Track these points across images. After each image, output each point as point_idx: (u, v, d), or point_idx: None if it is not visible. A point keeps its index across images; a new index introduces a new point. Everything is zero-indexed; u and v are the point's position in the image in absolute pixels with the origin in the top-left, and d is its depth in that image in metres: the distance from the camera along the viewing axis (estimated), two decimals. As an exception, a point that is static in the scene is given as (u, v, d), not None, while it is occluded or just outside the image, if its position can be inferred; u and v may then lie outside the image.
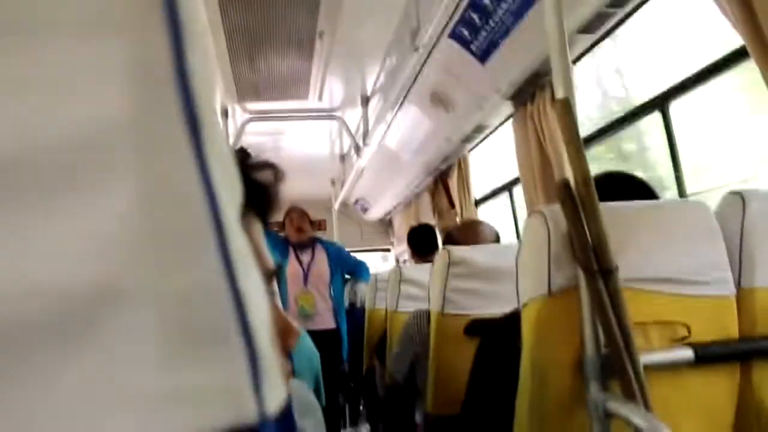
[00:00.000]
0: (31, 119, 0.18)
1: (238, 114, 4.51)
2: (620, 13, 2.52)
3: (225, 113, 4.36)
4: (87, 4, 0.19)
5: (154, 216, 0.19)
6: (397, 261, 7.46)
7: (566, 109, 1.13)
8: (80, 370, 0.18)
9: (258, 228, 0.65)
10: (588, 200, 1.08)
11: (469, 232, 2.26)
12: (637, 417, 0.98)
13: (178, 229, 0.19)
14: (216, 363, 0.20)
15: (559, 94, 1.19)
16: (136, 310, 0.18)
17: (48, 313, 0.17)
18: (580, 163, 1.11)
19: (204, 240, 0.20)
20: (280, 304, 0.72)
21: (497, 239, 2.31)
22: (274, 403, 0.22)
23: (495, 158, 4.63)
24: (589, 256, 1.07)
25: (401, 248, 7.09)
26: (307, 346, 2.49)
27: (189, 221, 0.20)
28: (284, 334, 0.65)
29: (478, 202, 4.87)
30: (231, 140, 4.40)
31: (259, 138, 5.02)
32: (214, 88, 0.23)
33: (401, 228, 6.93)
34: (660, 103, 2.53)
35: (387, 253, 8.03)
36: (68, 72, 0.18)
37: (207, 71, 0.22)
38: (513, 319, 1.28)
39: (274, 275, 0.71)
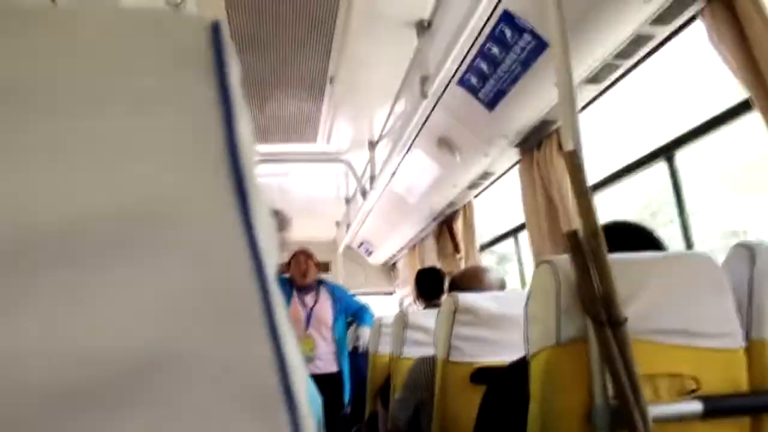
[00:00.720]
0: (89, 188, 0.18)
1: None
2: (627, 65, 2.56)
3: (233, 155, 4.38)
4: (143, 75, 0.20)
5: (205, 285, 0.20)
6: (401, 305, 7.43)
7: (574, 161, 1.14)
8: (125, 428, 0.18)
9: None
10: (597, 252, 1.09)
11: (474, 279, 2.26)
12: (646, 471, 0.97)
13: (228, 297, 0.20)
14: (262, 427, 0.20)
15: (568, 146, 1.20)
16: (187, 378, 0.19)
17: (102, 377, 0.18)
18: (589, 215, 1.12)
19: (252, 308, 0.20)
20: None
21: (502, 286, 2.31)
22: None
23: (501, 203, 4.64)
24: (598, 307, 1.07)
25: (405, 291, 7.07)
26: (309, 391, 2.47)
27: (238, 290, 0.20)
28: None
29: (483, 248, 4.87)
30: (239, 182, 4.42)
31: (265, 179, 5.05)
32: (256, 156, 0.24)
33: (405, 271, 6.91)
34: (666, 152, 2.56)
35: (390, 297, 8.00)
36: (126, 142, 0.19)
37: (250, 140, 0.23)
38: (519, 368, 1.27)
39: None
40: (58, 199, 0.18)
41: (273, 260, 0.23)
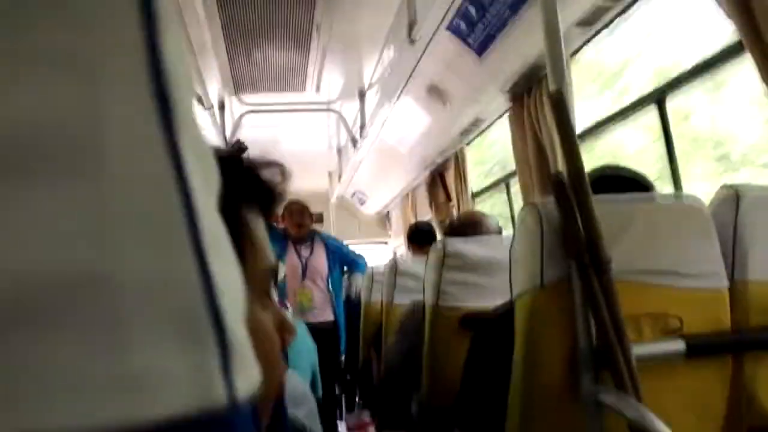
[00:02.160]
0: (3, 104, 0.18)
1: (236, 106, 4.50)
2: (619, 6, 2.52)
3: (222, 106, 4.34)
4: None
5: (127, 204, 0.19)
6: (395, 254, 7.47)
7: (560, 103, 1.13)
8: (45, 351, 0.18)
9: (261, 225, 0.65)
10: (581, 194, 1.09)
11: (473, 224, 2.26)
12: (628, 409, 0.99)
13: (149, 214, 0.20)
14: (183, 347, 0.20)
15: (553, 86, 1.19)
16: (110, 299, 0.19)
17: (25, 297, 0.18)
18: (573, 157, 1.11)
19: (174, 225, 0.20)
20: (276, 300, 0.73)
21: (499, 231, 2.31)
22: (245, 390, 0.22)
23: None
24: (582, 249, 1.08)
25: (398, 241, 7.10)
26: (303, 339, 2.50)
27: (160, 207, 0.20)
28: (280, 331, 0.65)
29: (474, 195, 4.87)
30: (228, 133, 4.40)
31: (257, 131, 5.02)
32: (189, 73, 0.23)
33: (398, 221, 6.93)
34: (656, 97, 2.54)
35: (384, 246, 8.03)
36: (39, 56, 0.19)
37: (180, 56, 0.22)
38: (506, 312, 1.28)
39: (275, 272, 0.71)
40: None
41: (205, 181, 0.22)
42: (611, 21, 2.66)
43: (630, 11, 2.58)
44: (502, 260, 1.89)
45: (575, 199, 1.09)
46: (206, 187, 0.22)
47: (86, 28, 0.19)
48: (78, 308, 0.18)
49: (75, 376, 0.18)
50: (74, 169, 0.18)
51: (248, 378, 0.22)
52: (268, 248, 0.66)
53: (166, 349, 0.19)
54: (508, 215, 4.34)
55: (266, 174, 0.66)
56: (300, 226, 4.35)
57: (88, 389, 0.18)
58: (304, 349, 2.50)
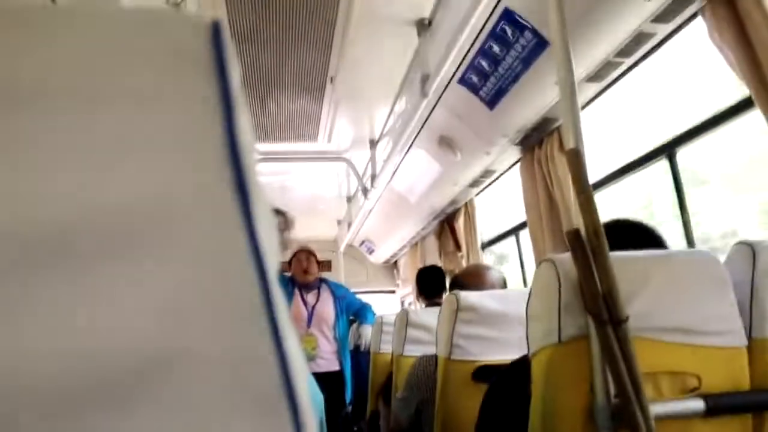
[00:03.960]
0: (89, 186, 0.18)
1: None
2: (628, 62, 2.56)
3: (235, 154, 4.38)
4: (143, 74, 0.20)
5: (207, 284, 0.20)
6: (402, 303, 7.43)
7: (576, 159, 1.14)
8: (130, 427, 0.18)
9: None
10: (599, 250, 1.09)
11: (477, 277, 2.26)
12: (648, 469, 0.97)
13: (229, 296, 0.20)
14: (262, 426, 0.20)
15: (570, 144, 1.20)
16: (189, 377, 0.19)
17: (105, 377, 0.18)
18: (590, 213, 1.12)
19: (254, 307, 0.20)
20: None
21: (504, 284, 2.31)
22: None
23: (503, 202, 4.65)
24: (600, 305, 1.07)
25: (406, 290, 7.07)
26: (311, 389, 2.48)
27: (240, 289, 0.20)
28: None
29: (484, 246, 4.87)
30: (240, 180, 4.42)
31: (267, 178, 5.05)
32: (256, 155, 0.24)
33: (406, 270, 6.92)
34: (667, 150, 2.55)
35: (392, 295, 7.99)
36: (125, 141, 0.19)
37: (251, 140, 0.23)
38: (521, 366, 1.27)
39: None
40: (58, 197, 0.18)
41: (274, 259, 0.23)
42: (620, 76, 2.70)
43: (638, 67, 2.62)
44: (514, 314, 1.88)
45: (592, 255, 1.09)
46: (275, 264, 0.22)
47: (168, 113, 0.20)
48: (157, 388, 0.19)
49: None
50: (158, 252, 0.19)
51: None
52: None
53: (243, 427, 0.20)
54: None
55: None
56: (306, 272, 4.35)
57: None
58: (312, 398, 2.47)
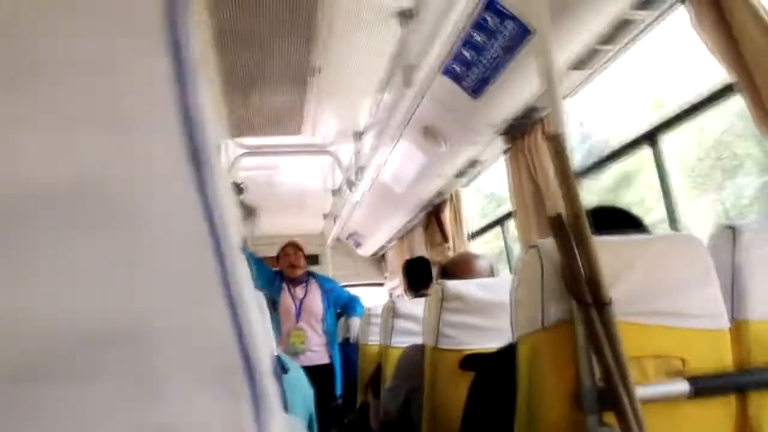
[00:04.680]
0: (36, 158, 0.18)
1: (232, 148, 4.52)
2: (613, 50, 2.56)
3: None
4: (93, 40, 0.20)
5: (160, 256, 0.19)
6: (390, 295, 7.43)
7: (559, 145, 1.14)
8: (84, 404, 0.18)
9: None
10: (581, 234, 1.09)
11: (465, 265, 2.26)
12: (634, 451, 0.98)
13: (183, 268, 0.20)
14: (218, 398, 0.20)
15: (552, 128, 1.20)
16: (146, 349, 0.19)
17: (61, 350, 0.18)
18: (572, 198, 1.12)
19: (209, 278, 0.20)
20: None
21: (492, 273, 2.31)
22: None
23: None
24: (583, 289, 1.08)
25: (394, 282, 7.08)
26: (299, 383, 2.47)
27: (194, 260, 0.20)
28: None
29: (471, 236, 4.88)
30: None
31: (253, 173, 5.03)
32: (217, 125, 0.23)
33: (394, 262, 6.92)
34: (651, 137, 2.56)
35: (380, 288, 8.00)
36: (73, 112, 0.19)
37: (210, 112, 0.22)
38: (507, 353, 1.27)
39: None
40: (3, 169, 0.18)
41: (233, 231, 0.22)
42: (605, 63, 2.70)
43: (623, 54, 2.63)
44: (501, 302, 1.88)
45: (575, 240, 1.10)
46: (233, 241, 0.22)
47: (123, 87, 0.20)
48: (113, 360, 0.18)
49: (109, 427, 0.19)
50: (113, 225, 0.19)
51: (278, 425, 0.22)
52: None
53: (201, 400, 0.19)
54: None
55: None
56: (294, 266, 4.34)
57: None
58: (301, 393, 2.47)
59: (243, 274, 0.22)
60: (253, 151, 4.58)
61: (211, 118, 0.23)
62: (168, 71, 0.21)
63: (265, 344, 0.23)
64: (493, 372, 1.40)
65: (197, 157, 0.21)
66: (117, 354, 0.19)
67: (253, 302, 0.23)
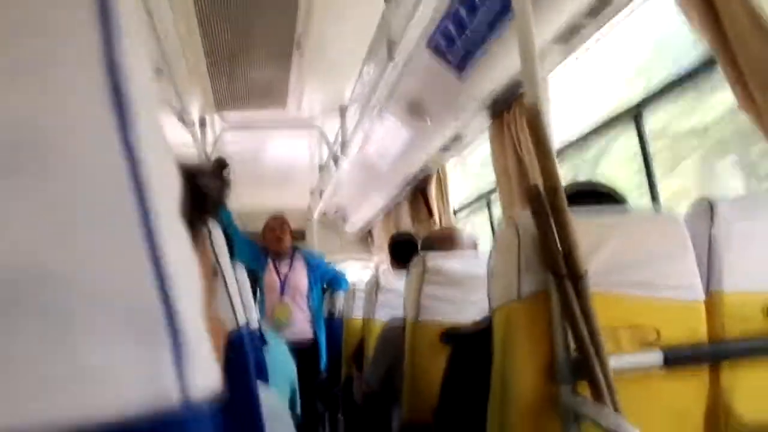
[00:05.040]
0: None
1: (217, 123, 4.49)
2: (596, 24, 2.55)
3: (203, 123, 4.33)
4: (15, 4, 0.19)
5: (81, 201, 0.19)
6: (376, 270, 7.44)
7: (535, 116, 1.14)
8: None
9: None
10: (557, 206, 1.09)
11: (446, 240, 2.26)
12: (606, 419, 0.99)
13: (102, 213, 0.19)
14: (135, 344, 0.20)
15: (529, 100, 1.20)
16: (54, 290, 0.18)
17: None
18: (549, 170, 1.12)
19: (130, 226, 0.20)
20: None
21: (475, 247, 2.31)
22: (200, 389, 0.21)
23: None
24: (558, 260, 1.08)
25: (381, 257, 7.09)
26: (281, 357, 2.48)
27: (114, 206, 0.20)
28: (213, 334, 0.66)
29: (456, 212, 4.88)
30: (209, 149, 4.38)
31: (238, 148, 5.00)
32: (148, 74, 0.23)
33: (380, 238, 6.92)
34: (634, 112, 2.56)
35: (367, 263, 8.00)
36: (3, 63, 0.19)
37: (138, 60, 0.22)
38: (484, 326, 1.28)
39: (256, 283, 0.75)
40: None
41: (158, 177, 0.22)
42: (588, 38, 2.69)
43: (605, 29, 2.62)
44: (482, 275, 1.89)
45: (552, 212, 1.10)
46: (165, 188, 0.22)
47: (44, 34, 0.19)
48: (26, 303, 0.18)
49: (21, 372, 0.18)
50: (27, 167, 0.19)
51: (205, 377, 0.22)
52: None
53: (117, 345, 0.19)
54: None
55: (204, 180, 0.68)
56: (280, 240, 4.33)
57: (35, 385, 0.18)
58: (283, 367, 2.48)
59: (170, 220, 0.22)
60: (238, 126, 4.55)
61: (140, 66, 0.22)
62: (91, 18, 0.21)
63: (193, 291, 0.23)
64: (470, 345, 1.41)
65: (120, 102, 0.21)
66: (28, 297, 0.18)
67: (183, 249, 0.23)
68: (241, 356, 0.91)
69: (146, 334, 0.20)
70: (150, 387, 0.20)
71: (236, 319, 0.94)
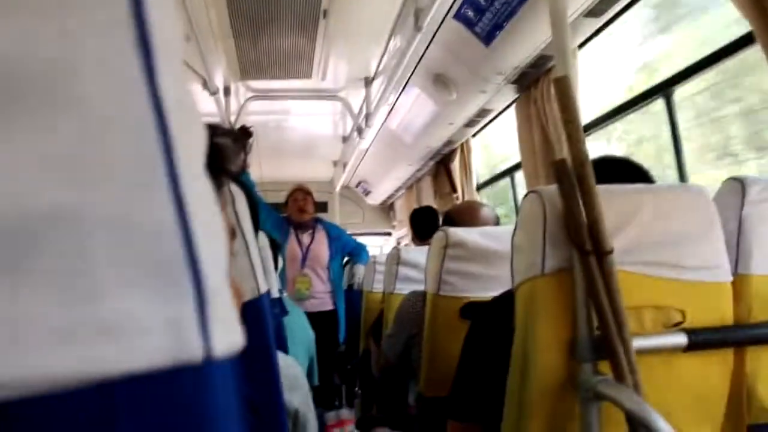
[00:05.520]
0: None
1: (241, 92, 4.48)
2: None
3: (227, 91, 4.33)
4: None
5: (104, 144, 0.19)
6: (398, 242, 7.46)
7: (565, 88, 1.11)
8: (9, 298, 0.17)
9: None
10: (585, 180, 1.07)
11: (469, 214, 2.24)
12: (627, 400, 0.97)
13: (127, 157, 0.19)
14: (158, 295, 0.19)
15: (559, 72, 1.17)
16: (80, 233, 0.18)
17: None
18: (577, 143, 1.09)
19: (154, 171, 0.19)
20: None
21: (497, 222, 2.29)
22: (223, 344, 0.21)
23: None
24: (584, 236, 1.06)
25: (402, 232, 7.10)
26: (300, 326, 2.50)
27: (139, 149, 0.19)
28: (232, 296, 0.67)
29: (479, 187, 4.86)
30: (233, 118, 4.39)
31: (262, 117, 5.00)
32: (176, 22, 0.22)
33: (402, 211, 6.93)
34: (664, 88, 2.51)
35: (388, 237, 8.02)
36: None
37: (169, 5, 0.21)
38: (505, 301, 1.27)
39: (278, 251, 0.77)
40: None
41: (185, 126, 0.21)
42: (620, 12, 2.64)
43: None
44: (505, 251, 1.87)
45: (579, 186, 1.07)
46: (189, 137, 0.21)
47: None
48: (45, 249, 0.18)
49: (41, 324, 0.18)
50: (51, 105, 0.18)
51: (227, 334, 0.21)
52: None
53: (139, 296, 0.19)
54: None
55: (221, 139, 0.68)
56: (303, 211, 4.34)
57: (55, 337, 0.18)
58: (302, 336, 2.50)
59: (196, 173, 0.21)
60: (263, 95, 4.54)
61: (170, 12, 0.22)
62: None
63: (218, 249, 0.22)
64: (490, 319, 1.40)
65: (147, 44, 0.20)
66: (53, 242, 0.18)
67: (209, 204, 0.22)
68: (261, 322, 0.91)
69: (169, 286, 0.19)
70: (173, 341, 0.19)
71: (257, 285, 0.94)
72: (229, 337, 0.21)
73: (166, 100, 0.20)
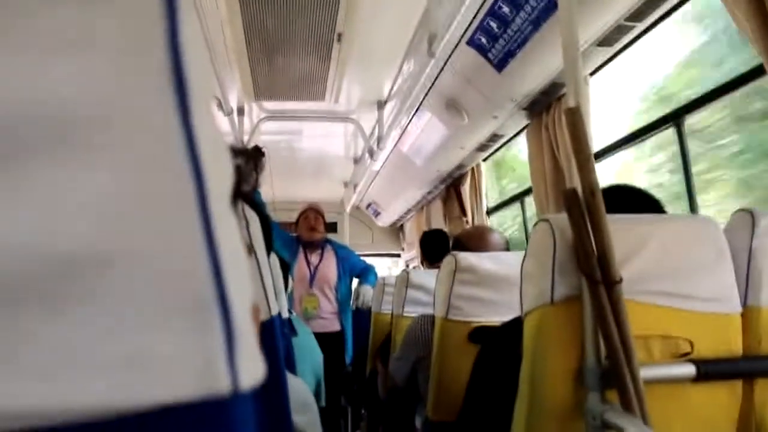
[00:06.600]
0: (21, 82, 0.18)
1: (255, 112, 4.51)
2: (639, 27, 2.51)
3: (241, 111, 4.36)
4: None
5: (139, 187, 0.19)
6: (407, 265, 7.45)
7: (576, 119, 1.12)
8: (55, 330, 0.18)
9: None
10: (595, 209, 1.08)
11: (478, 239, 2.25)
12: (634, 429, 0.97)
13: (161, 200, 0.20)
14: (188, 330, 0.20)
15: (571, 102, 1.18)
16: (116, 274, 0.19)
17: (32, 273, 0.18)
18: (588, 173, 1.10)
19: (187, 212, 0.20)
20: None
21: (506, 247, 2.30)
22: (248, 376, 0.22)
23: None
24: (594, 265, 1.07)
25: (411, 254, 7.09)
26: (308, 346, 2.50)
27: (173, 193, 0.20)
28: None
29: (489, 212, 4.86)
30: (246, 138, 4.41)
31: (274, 137, 5.03)
32: (206, 62, 0.23)
33: (412, 234, 6.92)
34: (675, 118, 2.52)
35: (397, 259, 8.01)
36: (54, 38, 0.18)
37: (199, 47, 0.22)
38: (513, 327, 1.27)
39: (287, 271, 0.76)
40: None
41: (218, 170, 0.22)
42: (631, 42, 2.65)
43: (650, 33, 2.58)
44: (514, 276, 1.88)
45: (588, 215, 1.08)
46: (218, 173, 0.22)
47: (109, 12, 0.19)
48: (80, 287, 0.18)
49: (74, 356, 0.18)
50: (88, 148, 0.19)
51: (252, 368, 0.22)
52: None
53: (170, 331, 0.19)
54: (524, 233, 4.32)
55: (237, 160, 0.69)
56: (313, 230, 4.35)
57: (87, 369, 0.18)
58: (310, 357, 2.50)
59: (223, 205, 0.22)
60: (276, 116, 4.57)
61: (201, 52, 0.22)
62: (155, 3, 0.21)
63: (245, 284, 0.23)
64: (498, 345, 1.40)
65: (182, 88, 0.21)
66: (87, 279, 0.19)
67: (234, 235, 0.23)
68: (273, 344, 0.92)
69: (200, 321, 0.20)
70: (202, 374, 0.20)
71: (269, 307, 0.95)
72: (254, 369, 0.22)
73: (200, 139, 0.21)
